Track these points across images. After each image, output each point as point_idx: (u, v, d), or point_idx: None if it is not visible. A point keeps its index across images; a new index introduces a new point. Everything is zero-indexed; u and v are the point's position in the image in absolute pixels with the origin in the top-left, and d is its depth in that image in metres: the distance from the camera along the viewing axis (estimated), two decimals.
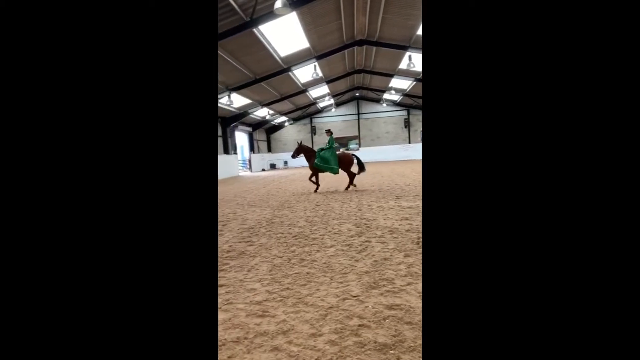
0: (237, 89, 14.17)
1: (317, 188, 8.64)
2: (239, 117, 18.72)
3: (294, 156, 8.72)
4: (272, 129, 26.77)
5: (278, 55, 12.33)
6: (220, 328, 2.07)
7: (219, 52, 10.36)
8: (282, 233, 4.42)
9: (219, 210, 6.72)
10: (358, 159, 8.42)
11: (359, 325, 1.98)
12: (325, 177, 10.60)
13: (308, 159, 8.54)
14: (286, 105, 20.73)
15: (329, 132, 8.64)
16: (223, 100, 14.90)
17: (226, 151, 18.74)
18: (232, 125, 19.02)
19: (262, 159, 22.42)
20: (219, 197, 8.79)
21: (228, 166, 17.75)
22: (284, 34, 10.82)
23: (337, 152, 8.35)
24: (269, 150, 26.90)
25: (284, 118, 24.44)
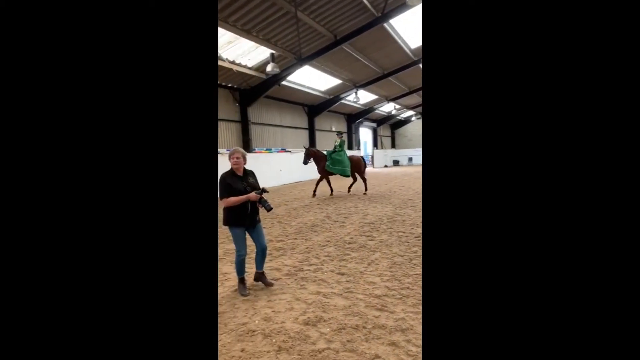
0: (364, 85, 14.46)
1: (331, 191, 8.33)
2: (363, 113, 19.12)
3: (305, 162, 8.22)
4: (397, 124, 26.25)
5: (408, 47, 11.93)
6: (340, 313, 2.21)
7: (348, 50, 10.76)
8: (404, 232, 4.34)
9: (342, 203, 7.07)
10: (364, 162, 8.14)
11: None
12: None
13: (318, 163, 8.08)
14: (414, 99, 19.90)
15: (340, 134, 8.30)
16: (350, 98, 15.46)
17: (350, 147, 19.48)
18: (357, 121, 19.60)
19: (385, 154, 22.22)
20: (341, 190, 9.23)
21: None
22: (415, 24, 10.38)
23: (348, 155, 8.09)
24: (393, 146, 26.47)
25: (410, 112, 23.59)
